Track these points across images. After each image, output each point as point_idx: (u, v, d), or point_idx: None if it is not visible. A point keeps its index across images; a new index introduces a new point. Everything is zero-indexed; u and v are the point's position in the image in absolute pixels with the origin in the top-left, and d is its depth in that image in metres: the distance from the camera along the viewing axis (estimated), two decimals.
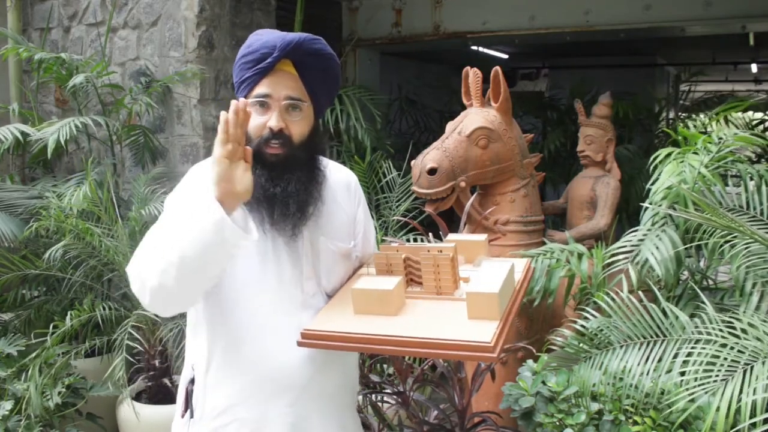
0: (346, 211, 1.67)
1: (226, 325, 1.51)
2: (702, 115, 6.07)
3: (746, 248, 1.97)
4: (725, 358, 1.68)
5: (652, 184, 2.32)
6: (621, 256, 2.26)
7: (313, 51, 1.49)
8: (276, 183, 1.46)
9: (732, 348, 1.69)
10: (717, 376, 1.65)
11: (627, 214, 4.55)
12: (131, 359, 3.01)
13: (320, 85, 1.53)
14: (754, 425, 1.56)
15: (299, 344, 1.46)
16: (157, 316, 3.12)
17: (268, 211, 1.47)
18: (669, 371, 1.80)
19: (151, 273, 1.33)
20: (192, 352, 1.58)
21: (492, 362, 2.22)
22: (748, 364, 1.64)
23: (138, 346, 3.24)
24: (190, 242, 1.28)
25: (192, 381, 1.57)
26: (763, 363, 1.61)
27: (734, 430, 1.55)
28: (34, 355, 2.92)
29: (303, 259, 1.54)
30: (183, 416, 1.57)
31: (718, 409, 1.57)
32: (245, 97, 1.49)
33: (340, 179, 1.67)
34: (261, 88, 1.47)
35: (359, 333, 1.41)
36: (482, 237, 1.75)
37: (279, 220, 1.48)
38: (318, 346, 1.46)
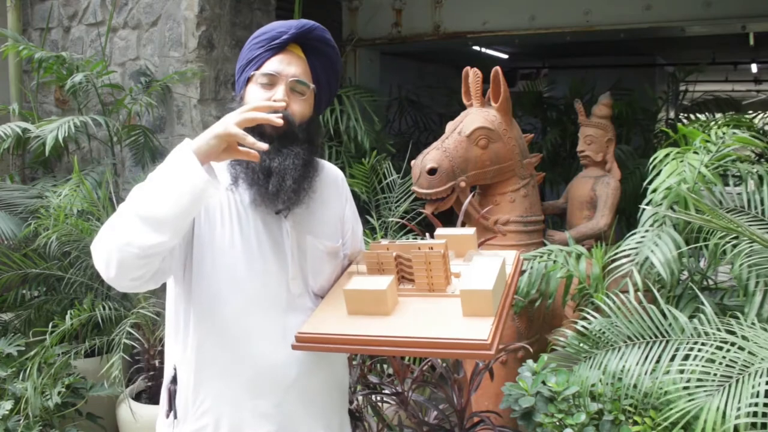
0: (334, 208, 1.66)
1: (211, 325, 1.50)
2: (701, 116, 6.06)
3: (749, 248, 1.97)
4: (718, 366, 1.68)
5: (649, 183, 2.32)
6: (624, 260, 2.25)
7: (322, 39, 1.56)
8: (273, 156, 1.47)
9: (724, 357, 1.69)
10: (714, 380, 1.65)
11: (626, 214, 4.55)
12: (131, 359, 3.01)
13: (324, 75, 1.58)
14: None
15: (294, 347, 1.45)
16: (157, 315, 3.12)
17: (264, 182, 1.46)
18: (667, 372, 1.80)
19: (119, 231, 1.31)
20: (174, 352, 1.57)
21: (489, 359, 2.22)
22: (740, 374, 1.63)
23: (138, 346, 3.24)
24: (173, 199, 1.28)
25: (173, 380, 1.55)
26: (755, 374, 1.61)
27: None
28: (32, 353, 2.92)
29: (289, 258, 1.53)
30: (168, 417, 1.56)
31: (707, 418, 1.56)
32: (252, 75, 1.52)
33: (327, 177, 1.66)
34: (270, 65, 1.51)
35: (355, 334, 1.40)
36: (471, 230, 1.73)
37: (273, 193, 1.47)
38: (313, 348, 1.45)
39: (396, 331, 1.38)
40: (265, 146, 1.30)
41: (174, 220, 1.29)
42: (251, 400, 1.50)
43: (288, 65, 1.51)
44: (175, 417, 1.54)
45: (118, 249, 1.30)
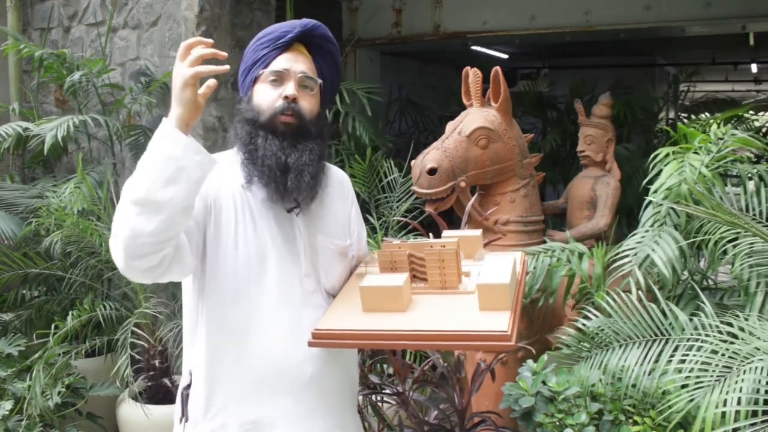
0: (341, 209, 1.69)
1: (225, 324, 1.50)
2: (702, 116, 6.07)
3: (750, 247, 1.97)
4: (716, 364, 1.68)
5: (650, 183, 2.32)
6: (627, 259, 2.25)
7: (325, 36, 1.60)
8: (289, 153, 1.48)
9: (723, 355, 1.69)
10: (711, 377, 1.66)
11: (626, 214, 4.55)
12: (133, 357, 3.01)
13: (327, 72, 1.61)
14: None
15: (311, 344, 1.46)
16: (158, 313, 3.12)
17: (282, 178, 1.47)
18: (664, 373, 1.80)
19: (122, 224, 1.29)
20: (190, 356, 1.57)
21: (495, 358, 2.23)
22: (739, 368, 1.64)
23: (141, 343, 3.24)
24: (157, 175, 1.26)
25: (188, 386, 1.56)
26: (752, 366, 1.61)
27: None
28: (36, 356, 2.91)
29: (302, 255, 1.55)
30: (180, 422, 1.57)
31: (706, 410, 1.57)
32: (260, 74, 1.53)
33: (333, 179, 1.69)
34: (278, 63, 1.53)
35: (373, 329, 1.41)
36: (478, 232, 1.77)
37: (292, 189, 1.48)
38: (331, 345, 1.46)
39: (414, 325, 1.40)
40: (224, 54, 1.31)
41: (168, 198, 1.27)
42: (266, 399, 1.51)
43: (295, 62, 1.53)
44: (186, 420, 1.54)
45: (123, 240, 1.29)
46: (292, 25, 1.56)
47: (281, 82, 1.52)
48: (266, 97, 1.51)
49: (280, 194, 1.49)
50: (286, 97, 1.49)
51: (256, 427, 1.51)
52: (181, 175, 1.28)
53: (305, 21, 1.56)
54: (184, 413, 1.55)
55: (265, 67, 1.53)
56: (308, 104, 1.53)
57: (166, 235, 1.30)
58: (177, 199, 1.28)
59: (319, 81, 1.56)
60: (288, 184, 1.47)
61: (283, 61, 1.53)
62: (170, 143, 1.28)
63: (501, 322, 1.36)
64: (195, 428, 1.54)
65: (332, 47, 1.62)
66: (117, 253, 1.32)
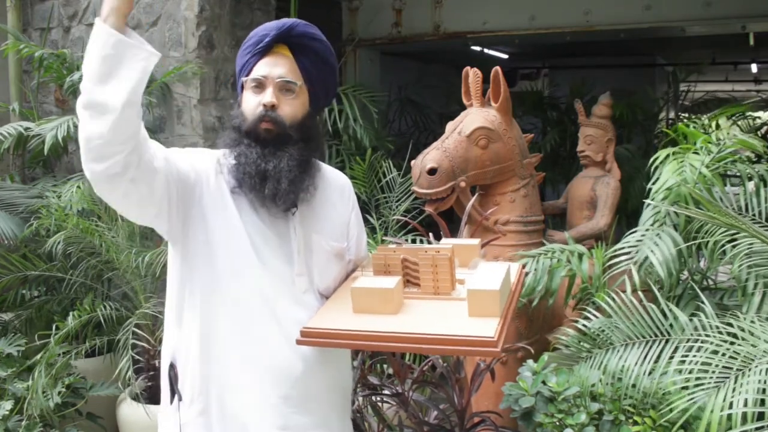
0: (339, 212, 1.69)
1: (217, 317, 1.51)
2: (703, 116, 6.07)
3: (749, 248, 1.97)
4: (717, 365, 1.68)
5: (653, 183, 2.32)
6: (623, 257, 2.26)
7: (306, 34, 1.56)
8: (268, 159, 1.49)
9: (724, 355, 1.69)
10: (712, 378, 1.66)
11: (626, 214, 4.55)
12: (133, 357, 3.01)
13: (315, 71, 1.58)
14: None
15: (298, 342, 1.46)
16: (158, 313, 3.12)
17: (260, 186, 1.48)
18: (664, 373, 1.80)
19: (79, 130, 1.30)
20: (174, 340, 1.57)
21: (494, 358, 2.24)
22: (740, 370, 1.64)
23: (142, 343, 3.24)
24: (96, 75, 1.27)
25: (172, 366, 1.56)
26: (756, 368, 1.61)
27: None
28: (39, 356, 2.91)
29: (295, 255, 1.55)
30: (171, 402, 1.57)
31: (711, 413, 1.57)
32: (244, 81, 1.54)
33: (334, 182, 1.70)
34: (257, 70, 1.53)
35: (362, 330, 1.42)
36: (475, 241, 1.78)
37: (270, 197, 1.49)
38: (319, 343, 1.46)
39: (403, 328, 1.40)
40: None
41: (109, 96, 1.27)
42: (258, 392, 1.51)
43: (274, 66, 1.53)
44: (180, 399, 1.54)
45: (83, 145, 1.30)
46: (269, 28, 1.54)
47: (262, 89, 1.52)
48: (249, 104, 1.53)
49: (261, 201, 1.50)
50: (264, 105, 1.50)
51: (243, 425, 1.51)
52: (118, 70, 1.27)
53: (282, 22, 1.55)
54: (176, 392, 1.55)
55: (248, 74, 1.54)
56: (290, 108, 1.52)
57: (119, 136, 1.29)
58: (120, 96, 1.27)
59: (299, 84, 1.54)
60: (266, 191, 1.48)
61: (262, 67, 1.52)
62: (103, 41, 1.27)
63: (489, 328, 1.36)
64: (188, 408, 1.54)
65: (315, 44, 1.58)
66: (82, 160, 1.32)
